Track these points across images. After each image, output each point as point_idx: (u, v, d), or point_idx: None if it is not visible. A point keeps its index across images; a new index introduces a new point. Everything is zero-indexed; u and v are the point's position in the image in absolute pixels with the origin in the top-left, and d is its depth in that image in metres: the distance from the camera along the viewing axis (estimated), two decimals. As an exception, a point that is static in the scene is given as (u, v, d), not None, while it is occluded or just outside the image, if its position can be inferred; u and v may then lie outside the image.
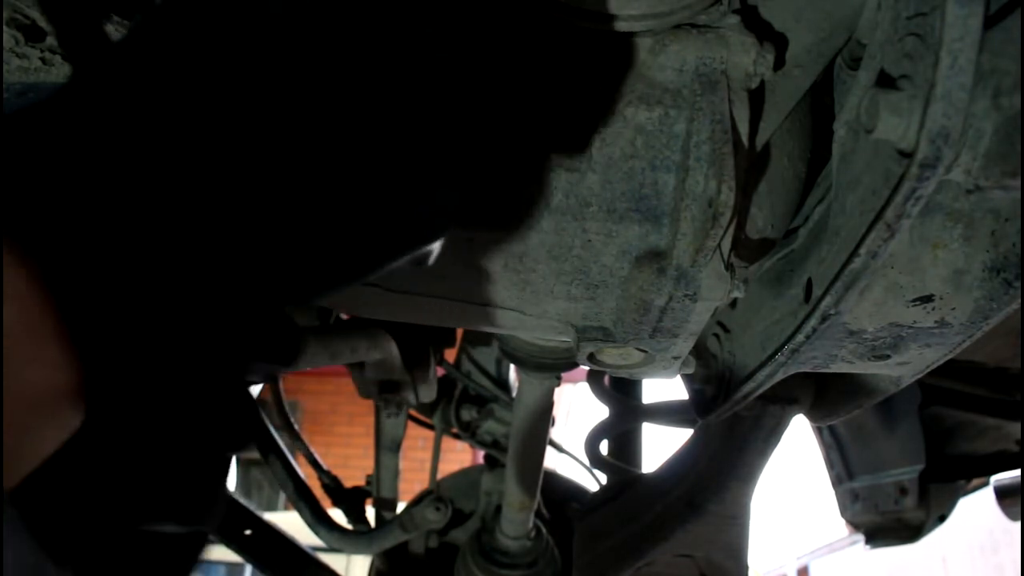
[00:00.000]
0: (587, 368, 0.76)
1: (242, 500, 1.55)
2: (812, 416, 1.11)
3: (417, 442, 3.68)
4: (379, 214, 0.37)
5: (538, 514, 1.46)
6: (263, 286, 0.34)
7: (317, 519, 1.55)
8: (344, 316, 1.36)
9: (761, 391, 0.71)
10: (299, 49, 0.34)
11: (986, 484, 1.80)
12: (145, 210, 0.30)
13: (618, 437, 1.73)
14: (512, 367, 1.66)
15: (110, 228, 0.29)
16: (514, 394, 1.61)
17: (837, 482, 1.88)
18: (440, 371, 1.50)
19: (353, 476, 1.70)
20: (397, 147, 0.37)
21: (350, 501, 1.64)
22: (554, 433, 1.35)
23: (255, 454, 1.57)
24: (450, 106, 0.39)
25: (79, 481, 0.31)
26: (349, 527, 1.62)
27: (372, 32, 0.36)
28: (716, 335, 0.78)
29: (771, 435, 1.23)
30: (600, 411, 1.63)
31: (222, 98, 0.32)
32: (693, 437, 1.35)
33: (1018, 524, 1.74)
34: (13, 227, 0.26)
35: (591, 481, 1.68)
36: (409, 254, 0.40)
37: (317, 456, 1.65)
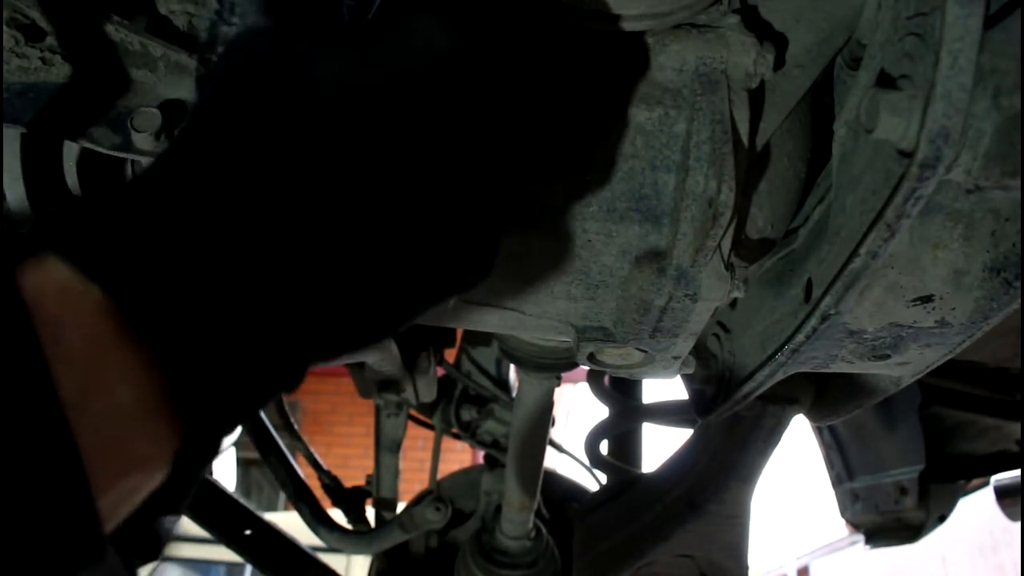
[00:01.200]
0: (587, 368, 0.76)
1: (242, 500, 1.55)
2: (812, 416, 1.11)
3: (417, 442, 3.68)
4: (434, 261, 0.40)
5: (538, 514, 1.46)
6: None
7: (317, 519, 1.55)
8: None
9: (761, 391, 0.71)
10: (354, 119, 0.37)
11: (986, 484, 1.80)
12: (243, 299, 0.34)
13: (618, 437, 1.73)
14: (512, 367, 1.66)
15: (213, 319, 0.33)
16: (514, 394, 1.61)
17: (837, 482, 1.88)
18: (440, 371, 1.49)
19: (353, 476, 1.70)
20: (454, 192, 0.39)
21: (350, 501, 1.63)
22: (554, 433, 1.35)
23: (255, 454, 1.57)
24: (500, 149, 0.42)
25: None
26: (349, 527, 1.62)
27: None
28: (716, 335, 0.78)
29: (771, 435, 1.23)
30: (600, 411, 1.63)
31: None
32: (693, 437, 1.35)
33: (1018, 524, 1.74)
34: (133, 317, 0.31)
35: (591, 481, 1.67)
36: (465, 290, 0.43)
37: (317, 456, 1.65)
